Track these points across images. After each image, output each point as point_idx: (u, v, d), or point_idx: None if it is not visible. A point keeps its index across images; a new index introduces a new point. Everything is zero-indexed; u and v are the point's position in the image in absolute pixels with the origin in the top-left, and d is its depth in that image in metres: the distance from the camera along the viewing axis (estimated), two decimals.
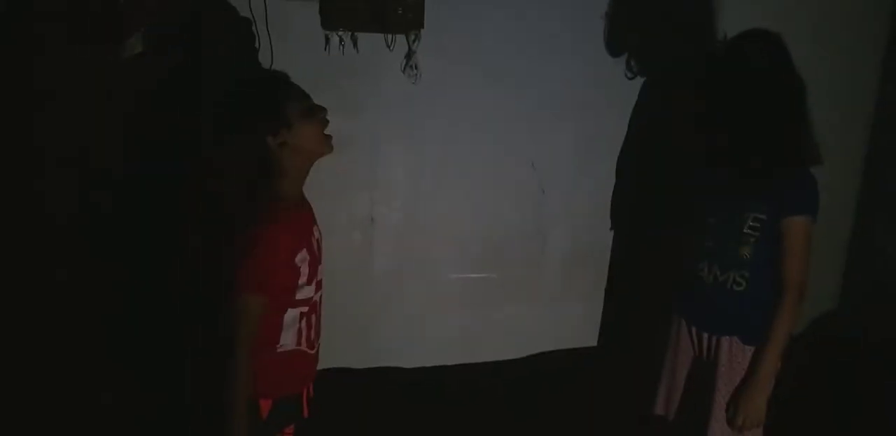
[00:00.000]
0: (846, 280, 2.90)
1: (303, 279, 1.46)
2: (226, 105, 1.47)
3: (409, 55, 2.08)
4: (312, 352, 1.56)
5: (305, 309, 1.49)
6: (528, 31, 2.18)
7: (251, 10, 1.97)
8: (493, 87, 2.22)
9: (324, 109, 1.49)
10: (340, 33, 2.00)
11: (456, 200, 2.32)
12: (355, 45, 2.03)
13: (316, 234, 1.56)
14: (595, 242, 2.51)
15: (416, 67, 2.10)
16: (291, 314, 1.47)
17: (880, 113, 2.73)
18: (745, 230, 1.66)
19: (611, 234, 2.49)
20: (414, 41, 2.06)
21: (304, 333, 1.50)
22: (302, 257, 1.45)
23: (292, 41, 1.98)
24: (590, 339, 2.61)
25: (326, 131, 1.49)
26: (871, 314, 2.77)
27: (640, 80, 2.35)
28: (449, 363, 2.44)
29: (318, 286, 1.54)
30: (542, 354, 2.56)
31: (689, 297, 1.81)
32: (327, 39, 2.01)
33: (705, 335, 1.77)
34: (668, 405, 1.88)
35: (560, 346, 2.58)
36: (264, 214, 1.41)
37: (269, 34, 1.98)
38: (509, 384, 2.47)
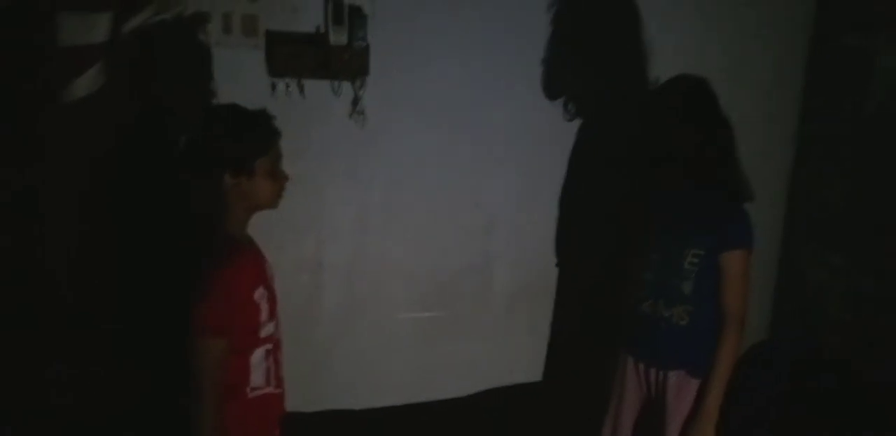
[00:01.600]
0: (776, 310, 3.03)
1: (264, 316, 1.46)
2: (210, 127, 1.45)
3: (356, 101, 2.13)
4: (280, 391, 1.55)
5: (270, 346, 1.49)
6: (470, 76, 2.26)
7: (196, 57, 1.98)
8: (437, 130, 2.28)
9: (287, 179, 1.52)
10: (287, 80, 2.03)
11: (403, 241, 2.35)
12: (302, 91, 2.07)
13: (268, 269, 1.56)
14: (539, 278, 2.57)
15: (362, 112, 2.14)
16: (258, 354, 1.46)
17: (800, 148, 2.91)
18: (685, 266, 1.73)
19: (555, 269, 2.56)
20: (360, 87, 2.11)
21: (271, 371, 1.50)
22: (260, 294, 1.44)
23: (238, 88, 2.00)
24: (536, 374, 2.65)
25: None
26: (805, 344, 2.91)
27: (577, 122, 2.46)
28: (399, 403, 2.44)
29: (279, 322, 1.54)
30: (492, 390, 2.58)
31: (635, 333, 1.86)
32: (274, 86, 2.04)
33: (652, 371, 1.82)
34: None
35: (509, 381, 2.61)
36: (218, 255, 1.40)
37: (213, 80, 1.99)
38: (460, 423, 2.47)
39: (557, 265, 2.54)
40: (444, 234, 2.40)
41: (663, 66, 2.46)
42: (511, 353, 2.59)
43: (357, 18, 2.03)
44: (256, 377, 1.47)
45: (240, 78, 2.01)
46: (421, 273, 2.40)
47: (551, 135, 2.43)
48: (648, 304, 1.80)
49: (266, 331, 1.47)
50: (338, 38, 2.02)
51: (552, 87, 2.38)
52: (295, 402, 2.27)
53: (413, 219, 2.34)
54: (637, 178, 2.07)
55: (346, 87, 2.11)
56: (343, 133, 2.16)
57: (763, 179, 2.85)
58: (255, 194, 1.45)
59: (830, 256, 2.81)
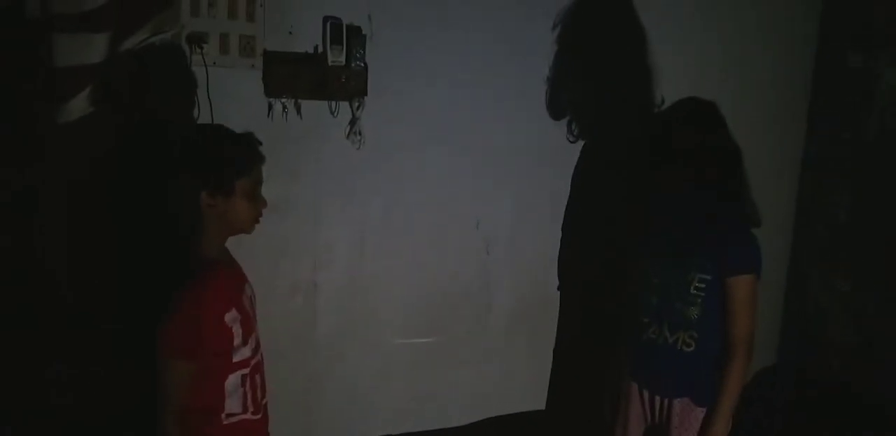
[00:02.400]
0: (783, 335, 2.97)
1: (237, 340, 1.41)
2: (192, 144, 1.45)
3: (353, 122, 2.11)
4: (258, 417, 1.49)
5: (246, 371, 1.44)
6: (469, 97, 2.24)
7: (192, 77, 1.97)
8: (436, 150, 2.25)
9: (265, 205, 1.49)
10: (284, 100, 2.01)
11: (400, 263, 2.30)
12: (299, 111, 2.04)
13: (248, 291, 1.52)
14: (539, 301, 2.52)
15: (360, 133, 2.12)
16: (233, 379, 1.41)
17: (805, 172, 2.88)
18: (692, 291, 1.70)
19: (555, 292, 2.51)
20: (358, 108, 2.09)
21: (248, 396, 1.45)
22: (232, 317, 1.40)
23: (234, 108, 1.98)
24: (538, 402, 2.58)
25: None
26: (808, 366, 2.84)
27: (578, 143, 2.43)
28: (394, 433, 2.37)
29: (257, 346, 1.49)
30: (492, 418, 2.51)
31: (639, 359, 1.82)
32: (270, 106, 2.02)
33: (657, 398, 1.78)
34: None
35: (509, 410, 2.54)
36: (188, 276, 1.37)
37: (209, 100, 1.97)
38: None
39: (558, 289, 2.49)
40: (442, 256, 2.35)
41: (667, 86, 2.46)
42: (511, 379, 2.52)
43: (355, 39, 2.01)
44: (232, 403, 1.42)
45: (237, 98, 1.99)
46: (418, 296, 2.35)
47: (551, 155, 2.40)
48: (654, 330, 1.76)
49: (240, 355, 1.42)
50: (336, 58, 2.00)
51: (555, 108, 2.36)
52: (284, 430, 2.22)
53: (410, 241, 2.30)
54: (640, 197, 2.04)
55: (344, 107, 2.08)
56: (340, 154, 2.13)
57: (770, 202, 2.83)
58: (231, 216, 1.42)
59: (836, 280, 2.77)
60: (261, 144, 1.49)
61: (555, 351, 2.55)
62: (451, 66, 2.20)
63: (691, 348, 1.71)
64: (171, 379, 1.33)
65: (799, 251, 2.93)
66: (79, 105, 1.90)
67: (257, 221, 1.48)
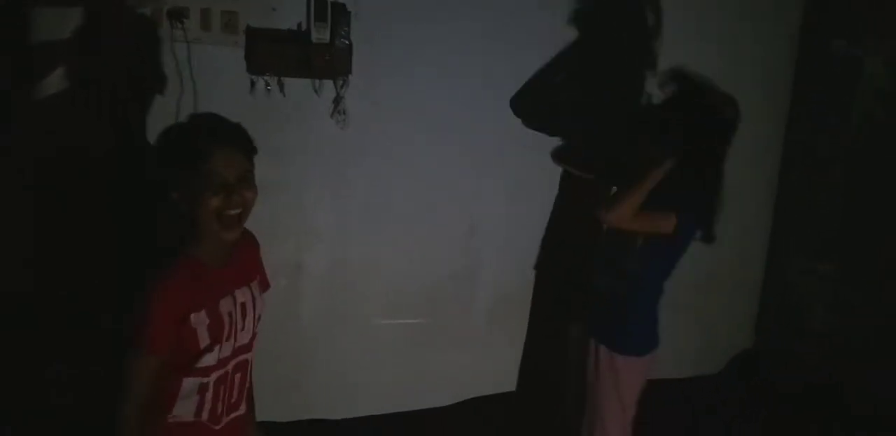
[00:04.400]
0: (760, 318, 3.01)
1: (203, 344, 1.31)
2: (164, 137, 1.31)
3: (337, 100, 2.08)
4: (217, 428, 1.39)
5: (206, 380, 1.33)
6: (456, 78, 2.22)
7: (174, 53, 1.93)
8: (420, 131, 2.23)
9: (237, 195, 1.28)
10: (266, 78, 1.98)
11: (384, 245, 2.29)
12: (282, 89, 2.01)
13: (242, 298, 1.39)
14: (523, 286, 2.52)
15: (344, 112, 2.09)
16: (189, 384, 1.32)
17: (787, 155, 2.91)
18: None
19: (538, 276, 2.51)
20: (342, 86, 2.06)
21: (206, 406, 1.35)
22: (199, 320, 1.30)
23: (217, 85, 1.95)
24: (518, 383, 2.60)
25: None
26: (785, 351, 2.89)
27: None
28: (378, 413, 2.38)
29: (232, 355, 1.38)
30: (474, 399, 2.52)
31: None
32: (253, 84, 1.99)
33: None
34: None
35: (492, 390, 2.55)
36: (161, 270, 1.29)
37: (192, 77, 1.94)
38: (441, 433, 2.41)
39: (535, 268, 2.50)
40: (427, 239, 2.35)
41: (652, 73, 2.45)
42: (494, 362, 2.53)
43: (340, 16, 1.98)
44: (181, 407, 1.34)
45: (219, 75, 1.96)
46: (402, 279, 2.34)
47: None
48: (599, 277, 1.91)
49: (204, 362, 1.32)
50: (320, 35, 1.96)
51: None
52: (271, 411, 2.22)
53: (395, 223, 2.29)
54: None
55: (328, 86, 2.06)
56: (324, 133, 2.11)
57: (750, 187, 2.86)
58: (196, 214, 1.28)
59: (817, 264, 2.80)
60: (216, 135, 1.30)
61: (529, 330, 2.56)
62: (438, 45, 2.17)
63: (622, 297, 1.86)
64: (128, 371, 1.28)
65: (778, 237, 2.95)
66: (55, 81, 1.87)
67: (222, 225, 1.29)
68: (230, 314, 1.35)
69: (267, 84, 1.99)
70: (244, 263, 1.42)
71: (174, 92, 1.96)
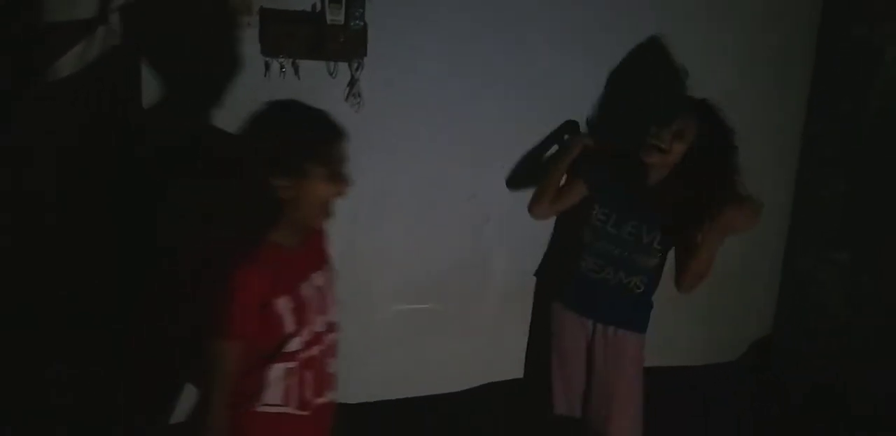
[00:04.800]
0: (780, 307, 2.98)
1: (288, 329, 1.33)
2: (267, 127, 1.33)
3: (352, 83, 2.05)
4: (304, 414, 1.39)
5: (292, 365, 1.35)
6: (470, 63, 2.19)
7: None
8: (435, 116, 2.21)
9: (345, 184, 1.35)
10: (281, 60, 1.95)
11: (395, 232, 2.27)
12: (296, 72, 1.99)
13: (318, 281, 1.41)
14: (535, 269, 2.50)
15: (358, 96, 2.06)
16: (277, 370, 1.34)
17: (805, 145, 2.86)
18: (654, 246, 1.99)
19: (549, 265, 2.49)
20: (357, 69, 2.03)
21: (293, 391, 1.36)
22: (284, 305, 1.32)
23: (231, 67, 1.93)
24: (529, 370, 2.59)
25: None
26: (804, 341, 2.86)
27: (583, 111, 2.39)
28: (389, 398, 2.38)
29: (316, 340, 1.39)
30: (485, 385, 2.52)
31: (587, 294, 2.07)
32: (267, 66, 1.96)
33: (600, 325, 2.05)
34: (570, 401, 2.10)
35: (503, 376, 2.54)
36: (241, 256, 1.29)
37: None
38: (452, 420, 2.41)
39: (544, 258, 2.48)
40: (439, 226, 2.33)
41: (668, 58, 2.41)
42: (505, 349, 2.52)
43: None
44: (271, 394, 1.35)
45: (233, 57, 1.94)
46: (413, 266, 2.33)
47: (548, 125, 2.36)
48: (607, 271, 2.04)
49: (291, 346, 1.34)
50: (334, 17, 1.94)
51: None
52: None
53: (407, 209, 2.27)
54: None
55: (343, 68, 2.03)
56: (338, 117, 2.07)
57: (768, 176, 2.82)
58: (303, 199, 1.31)
59: (834, 254, 2.76)
60: (333, 121, 1.39)
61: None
62: (454, 30, 2.14)
63: (640, 290, 2.03)
64: (212, 358, 1.28)
65: (797, 226, 2.92)
66: (69, 62, 1.86)
67: (324, 213, 1.35)
68: (309, 299, 1.39)
69: (281, 66, 1.96)
70: (317, 248, 1.46)
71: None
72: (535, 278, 2.48)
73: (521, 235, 2.43)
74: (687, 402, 2.53)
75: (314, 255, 1.44)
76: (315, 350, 1.39)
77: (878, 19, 2.59)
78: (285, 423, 1.37)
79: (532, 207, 2.12)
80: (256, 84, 1.95)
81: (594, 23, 2.31)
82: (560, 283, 2.16)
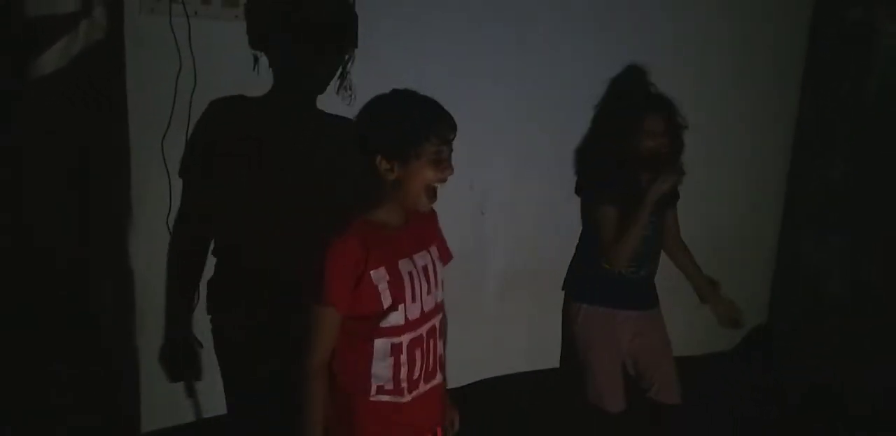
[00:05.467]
0: (774, 294, 2.98)
1: (386, 302, 1.35)
2: (379, 112, 1.39)
3: (343, 75, 2.01)
4: (405, 400, 1.40)
5: (398, 340, 1.37)
6: (463, 54, 2.16)
7: (172, 29, 1.87)
8: None
9: (450, 171, 1.39)
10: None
11: None
12: None
13: (423, 261, 1.43)
14: (533, 263, 2.48)
15: (349, 88, 2.02)
16: (382, 345, 1.36)
17: (800, 127, 2.86)
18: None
19: (548, 254, 2.47)
20: (348, 61, 2.00)
21: (402, 369, 1.38)
22: (379, 276, 1.35)
23: (220, 61, 1.89)
24: (531, 363, 2.57)
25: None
26: (801, 325, 2.86)
27: (572, 103, 2.37)
28: None
29: (422, 319, 1.41)
30: (485, 380, 2.50)
31: (625, 291, 2.10)
32: (256, 59, 1.92)
33: (638, 312, 2.10)
34: (621, 396, 2.09)
35: (502, 371, 2.52)
36: (340, 226, 1.34)
37: (192, 53, 1.88)
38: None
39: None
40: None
41: (664, 42, 2.40)
42: (505, 341, 2.50)
43: None
44: (378, 369, 1.37)
45: (221, 51, 1.90)
46: None
47: (548, 115, 2.34)
48: (641, 269, 2.08)
49: (390, 320, 1.36)
50: None
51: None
52: None
53: None
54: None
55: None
56: (329, 110, 2.04)
57: (763, 159, 2.82)
58: (408, 182, 1.36)
59: (831, 236, 2.76)
60: (440, 109, 1.42)
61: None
62: (448, 20, 2.11)
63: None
64: (308, 324, 1.33)
65: (792, 210, 2.92)
66: (52, 58, 1.81)
67: (428, 196, 1.38)
68: (411, 274, 1.40)
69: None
70: (421, 230, 1.47)
71: (172, 70, 1.90)
72: (533, 269, 2.46)
73: (519, 225, 2.41)
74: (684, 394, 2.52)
75: (419, 236, 1.47)
76: (422, 330, 1.42)
77: (873, 1, 2.58)
78: (396, 411, 1.40)
79: (616, 261, 2.04)
80: (246, 78, 1.91)
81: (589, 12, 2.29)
82: (582, 285, 2.15)
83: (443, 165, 1.38)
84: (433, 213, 1.54)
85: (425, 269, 1.45)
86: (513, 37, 2.21)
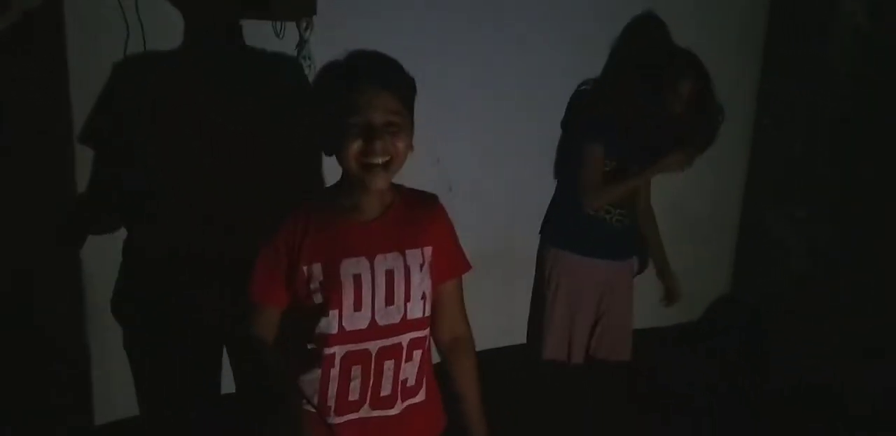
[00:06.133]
0: (737, 265, 3.00)
1: (316, 299, 1.15)
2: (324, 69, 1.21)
3: (301, 44, 1.91)
4: (336, 422, 1.17)
5: (329, 351, 1.14)
6: (432, 21, 2.07)
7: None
8: None
9: (373, 135, 1.11)
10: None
11: None
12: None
13: (382, 263, 1.17)
14: (503, 242, 2.43)
15: (309, 58, 1.92)
16: (309, 351, 1.16)
17: (762, 99, 2.85)
18: None
19: (520, 233, 2.42)
20: (306, 29, 1.89)
21: (331, 385, 1.16)
22: (312, 273, 1.15)
23: (167, 29, 1.75)
24: (499, 340, 2.53)
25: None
26: (762, 297, 2.89)
27: (548, 74, 2.30)
28: None
29: (372, 334, 1.16)
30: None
31: (603, 238, 2.07)
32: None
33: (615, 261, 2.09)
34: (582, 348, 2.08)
35: (484, 346, 2.47)
36: (283, 213, 1.18)
37: (140, 23, 1.74)
38: None
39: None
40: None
41: (630, 9, 2.34)
42: (474, 320, 2.45)
43: None
44: (304, 383, 1.18)
45: (169, 18, 1.76)
46: None
47: (516, 90, 2.28)
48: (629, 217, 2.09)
49: (321, 327, 1.15)
50: None
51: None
52: None
53: None
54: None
55: (291, 28, 1.88)
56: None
57: (724, 131, 2.81)
58: (340, 164, 1.14)
59: (793, 209, 2.78)
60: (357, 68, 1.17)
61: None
62: None
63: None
64: (251, 322, 1.21)
65: (754, 182, 2.93)
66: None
67: (368, 169, 1.12)
68: (358, 278, 1.16)
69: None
70: (405, 227, 1.21)
71: (121, 36, 1.76)
72: (503, 247, 2.41)
73: (487, 202, 2.35)
74: (657, 366, 2.53)
75: (398, 234, 1.20)
76: (371, 346, 1.16)
77: None
78: (329, 433, 1.18)
79: (590, 205, 2.02)
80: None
81: None
82: (557, 228, 2.14)
83: (371, 134, 1.11)
84: (437, 209, 1.28)
85: (390, 274, 1.17)
86: (483, 6, 2.12)
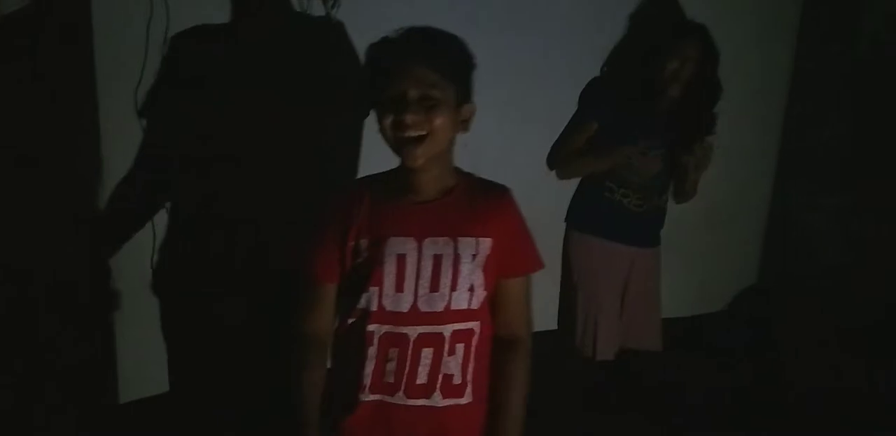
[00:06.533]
0: (765, 254, 2.95)
1: (360, 274, 1.15)
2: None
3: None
4: (365, 399, 1.17)
5: (370, 328, 1.14)
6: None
7: None
8: None
9: (405, 108, 1.10)
10: None
11: None
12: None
13: (432, 247, 1.15)
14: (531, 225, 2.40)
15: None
16: (352, 324, 1.17)
17: (794, 84, 2.80)
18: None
19: (542, 213, 2.38)
20: (332, 6, 1.86)
21: (369, 362, 1.15)
22: (359, 248, 1.15)
23: (192, 10, 1.74)
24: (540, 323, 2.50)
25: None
26: (792, 287, 2.83)
27: (567, 58, 2.27)
28: None
29: (414, 318, 1.15)
30: None
31: (623, 222, 2.06)
32: None
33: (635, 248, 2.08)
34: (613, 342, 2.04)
35: None
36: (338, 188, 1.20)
37: (166, 3, 1.73)
38: None
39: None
40: None
41: (661, 5, 2.31)
42: None
43: None
44: (347, 353, 1.19)
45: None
46: None
47: (543, 74, 2.27)
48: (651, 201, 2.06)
49: (362, 302, 1.15)
50: None
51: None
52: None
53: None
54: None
55: (316, 4, 1.86)
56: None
57: (756, 117, 2.76)
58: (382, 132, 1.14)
59: (826, 197, 2.73)
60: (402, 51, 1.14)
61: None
62: None
63: (666, 205, 2.12)
64: (299, 296, 1.20)
65: (784, 169, 2.88)
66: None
67: (402, 144, 1.11)
68: (402, 258, 1.15)
69: None
70: (461, 213, 1.18)
71: (144, 16, 1.75)
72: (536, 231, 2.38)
73: (511, 184, 2.32)
74: (679, 355, 2.48)
75: (454, 219, 1.17)
76: (411, 331, 1.15)
77: None
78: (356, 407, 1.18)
79: (551, 167, 2.08)
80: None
81: None
82: (579, 211, 2.13)
83: (403, 107, 1.10)
84: (505, 201, 1.23)
85: (437, 259, 1.15)
86: None
